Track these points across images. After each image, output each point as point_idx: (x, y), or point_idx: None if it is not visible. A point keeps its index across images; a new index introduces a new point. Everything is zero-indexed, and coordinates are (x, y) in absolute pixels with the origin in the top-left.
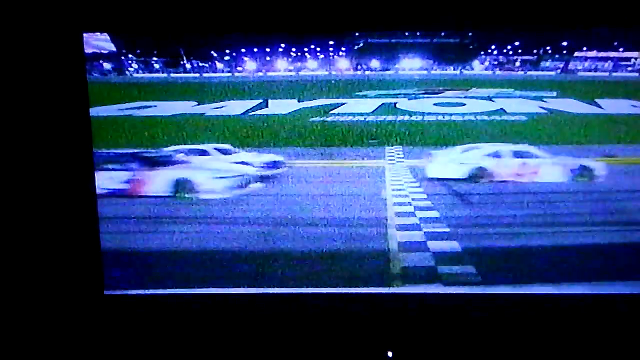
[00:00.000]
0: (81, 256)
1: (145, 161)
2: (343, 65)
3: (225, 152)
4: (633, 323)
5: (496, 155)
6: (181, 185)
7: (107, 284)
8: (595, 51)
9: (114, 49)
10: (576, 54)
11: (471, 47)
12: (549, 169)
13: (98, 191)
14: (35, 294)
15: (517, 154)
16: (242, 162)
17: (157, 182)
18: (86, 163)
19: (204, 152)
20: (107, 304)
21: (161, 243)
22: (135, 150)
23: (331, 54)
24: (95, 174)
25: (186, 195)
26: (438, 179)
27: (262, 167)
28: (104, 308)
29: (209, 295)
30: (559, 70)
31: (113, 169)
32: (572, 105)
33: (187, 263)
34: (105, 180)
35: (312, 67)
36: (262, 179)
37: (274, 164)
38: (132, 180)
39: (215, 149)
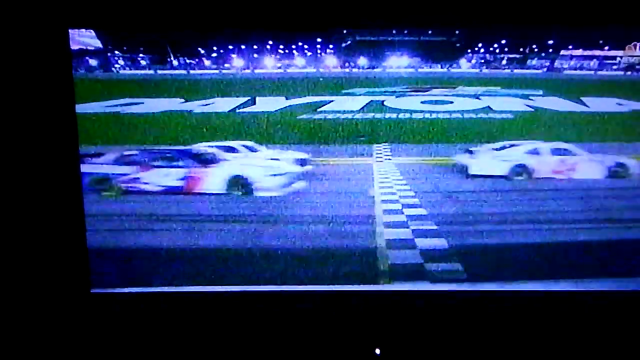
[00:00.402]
0: (67, 254)
1: (196, 159)
2: (331, 63)
3: (251, 149)
4: (619, 319)
5: (535, 152)
6: (236, 183)
7: (94, 282)
8: (580, 50)
9: (100, 45)
10: (562, 52)
11: (458, 45)
12: (586, 165)
13: (153, 188)
14: (20, 293)
15: (556, 152)
16: (275, 159)
17: (212, 179)
18: (72, 160)
19: (232, 149)
20: (94, 302)
21: (147, 241)
22: (181, 148)
23: (319, 51)
24: (149, 171)
25: (240, 193)
26: (466, 171)
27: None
28: (91, 306)
29: (196, 294)
30: (545, 69)
31: (167, 166)
32: (558, 103)
33: (174, 261)
34: (161, 177)
35: (300, 64)
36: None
37: (302, 162)
38: (188, 177)
39: (243, 146)
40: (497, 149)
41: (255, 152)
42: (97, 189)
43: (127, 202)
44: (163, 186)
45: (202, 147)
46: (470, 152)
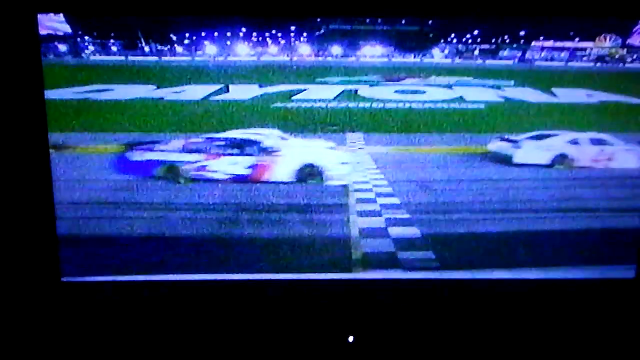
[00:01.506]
0: (36, 242)
1: (262, 147)
2: (305, 51)
3: (283, 138)
4: (589, 307)
5: (575, 142)
6: (308, 172)
7: (65, 271)
8: (551, 41)
9: (69, 30)
10: (533, 43)
11: (431, 35)
12: (623, 155)
13: (221, 177)
14: None
15: (594, 141)
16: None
17: (283, 167)
18: (41, 146)
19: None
20: (64, 291)
21: (120, 228)
22: (236, 136)
23: (293, 39)
24: (216, 159)
25: (312, 181)
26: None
27: None
28: (61, 295)
29: (169, 282)
30: (516, 60)
31: (235, 155)
32: (529, 94)
33: (145, 248)
34: (229, 165)
35: (273, 52)
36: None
37: None
38: (256, 165)
39: (279, 136)
40: (533, 138)
41: (286, 140)
42: (165, 176)
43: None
44: (230, 174)
45: (235, 133)
46: (514, 141)
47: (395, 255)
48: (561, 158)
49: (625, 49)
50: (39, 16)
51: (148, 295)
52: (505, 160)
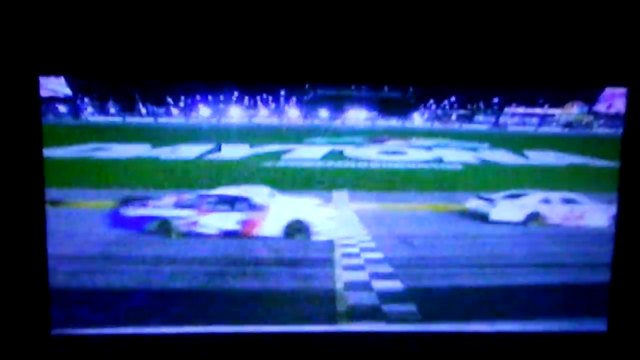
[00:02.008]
0: (28, 294)
1: (250, 203)
2: (294, 114)
3: (272, 195)
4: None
5: (547, 201)
6: (295, 228)
7: (54, 323)
8: (523, 108)
9: (69, 92)
10: (506, 109)
11: (412, 101)
12: (592, 213)
13: (211, 232)
14: None
15: (565, 200)
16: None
17: (271, 223)
18: (38, 202)
19: (242, 198)
20: (54, 344)
21: (110, 281)
22: (236, 194)
23: (282, 103)
24: (207, 215)
25: (299, 237)
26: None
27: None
28: (50, 348)
29: (158, 335)
30: (491, 124)
31: (223, 210)
32: (503, 156)
33: (135, 301)
34: (220, 221)
35: (264, 114)
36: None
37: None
38: (245, 221)
39: (269, 193)
40: (507, 197)
41: (274, 197)
42: (157, 231)
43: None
44: (221, 229)
45: (226, 190)
46: (490, 200)
47: (379, 307)
48: (534, 216)
49: (592, 115)
50: (41, 78)
51: (137, 348)
52: (482, 217)
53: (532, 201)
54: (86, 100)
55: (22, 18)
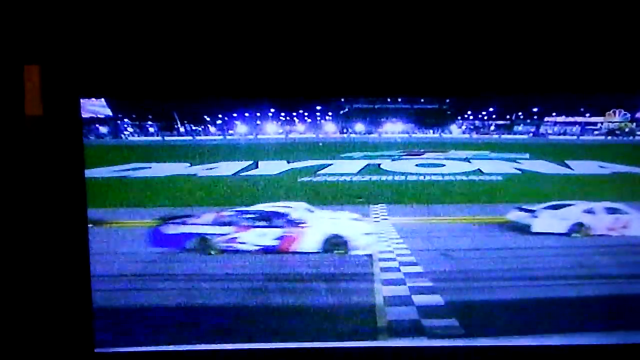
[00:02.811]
0: (72, 314)
1: (288, 218)
2: (330, 128)
3: (309, 210)
4: None
5: (590, 211)
6: (333, 242)
7: (98, 342)
8: (563, 116)
9: (110, 113)
10: (546, 119)
11: (449, 112)
12: (637, 222)
13: (250, 248)
14: (24, 352)
15: (609, 210)
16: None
17: (309, 238)
18: (80, 223)
19: (307, 209)
20: None
21: (152, 299)
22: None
23: (318, 118)
24: (246, 231)
25: (338, 252)
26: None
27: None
28: None
29: (200, 352)
30: (530, 134)
31: (262, 226)
32: (544, 166)
33: (177, 318)
34: (258, 237)
35: (300, 130)
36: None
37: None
38: (283, 237)
39: (305, 208)
40: (550, 208)
41: (312, 212)
42: (197, 248)
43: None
44: (259, 245)
45: (264, 206)
46: (531, 211)
47: (419, 322)
48: (578, 227)
49: (634, 123)
50: (82, 100)
51: None
52: (523, 229)
53: (575, 212)
54: (126, 120)
55: (63, 41)
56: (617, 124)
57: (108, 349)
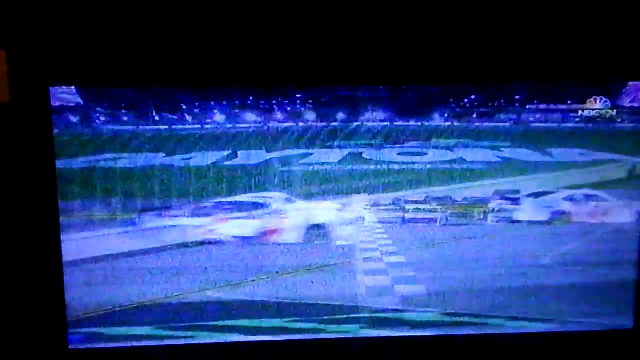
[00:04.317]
0: (44, 309)
1: (266, 208)
2: (310, 117)
3: (289, 200)
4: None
5: (571, 198)
6: (314, 233)
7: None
8: (544, 105)
9: (80, 101)
10: (528, 106)
11: (431, 100)
12: (616, 210)
13: (228, 239)
14: None
15: (589, 197)
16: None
17: (289, 229)
18: (51, 214)
19: (287, 200)
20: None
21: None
22: (253, 200)
23: (298, 106)
24: (224, 222)
25: (319, 242)
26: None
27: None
28: None
29: (175, 347)
30: (512, 122)
31: (241, 217)
32: (525, 154)
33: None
34: (237, 228)
35: (279, 118)
36: None
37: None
38: (263, 227)
39: (284, 198)
40: (531, 196)
41: (293, 202)
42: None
43: None
44: (238, 236)
45: (243, 197)
46: (513, 199)
47: (402, 310)
48: (559, 214)
49: (615, 110)
50: (51, 88)
51: None
52: (505, 217)
53: (556, 199)
54: (98, 109)
55: (31, 26)
56: (597, 111)
57: (82, 344)
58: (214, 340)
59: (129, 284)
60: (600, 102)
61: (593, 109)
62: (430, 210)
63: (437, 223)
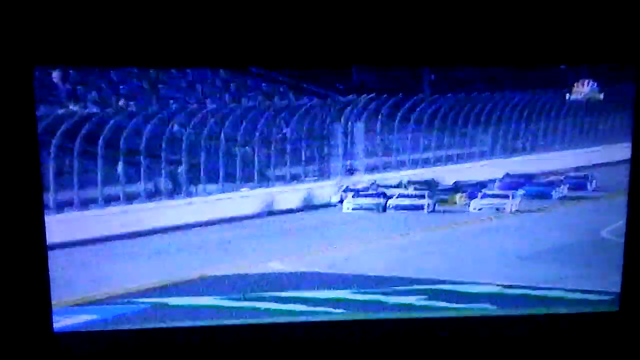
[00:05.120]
0: (29, 294)
1: None
2: None
3: None
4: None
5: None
6: None
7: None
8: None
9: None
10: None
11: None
12: None
13: None
14: None
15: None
16: None
17: None
18: (35, 203)
19: None
20: (57, 342)
21: None
22: None
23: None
24: None
25: None
26: None
27: None
28: (54, 347)
29: (163, 330)
30: None
31: None
32: None
33: None
34: None
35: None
36: None
37: None
38: None
39: None
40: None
41: None
42: None
43: None
44: None
45: None
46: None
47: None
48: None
49: (602, 94)
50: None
51: (139, 344)
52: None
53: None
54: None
55: (15, 10)
56: (585, 96)
57: (67, 327)
58: (196, 324)
59: None
60: (589, 86)
61: (582, 93)
62: None
63: None
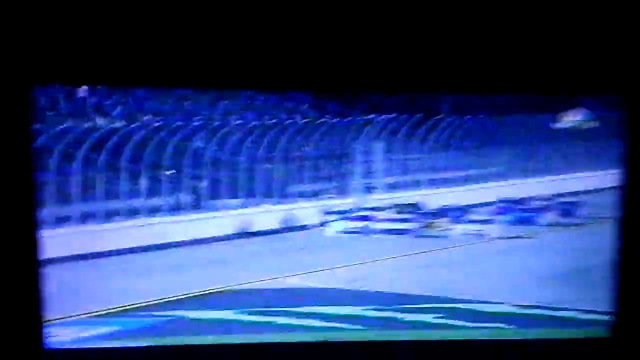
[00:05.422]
0: (21, 310)
1: None
2: None
3: None
4: None
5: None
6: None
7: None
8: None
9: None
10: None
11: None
12: None
13: None
14: None
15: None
16: None
17: None
18: (30, 218)
19: None
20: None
21: None
22: None
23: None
24: None
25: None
26: None
27: None
28: None
29: (153, 348)
30: None
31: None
32: None
33: None
34: None
35: None
36: None
37: None
38: None
39: None
40: None
41: None
42: None
43: None
44: None
45: None
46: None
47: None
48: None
49: (595, 121)
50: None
51: None
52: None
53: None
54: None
55: (15, 29)
56: (579, 122)
57: (60, 345)
58: (185, 342)
59: None
60: (582, 114)
61: (575, 121)
62: None
63: None
